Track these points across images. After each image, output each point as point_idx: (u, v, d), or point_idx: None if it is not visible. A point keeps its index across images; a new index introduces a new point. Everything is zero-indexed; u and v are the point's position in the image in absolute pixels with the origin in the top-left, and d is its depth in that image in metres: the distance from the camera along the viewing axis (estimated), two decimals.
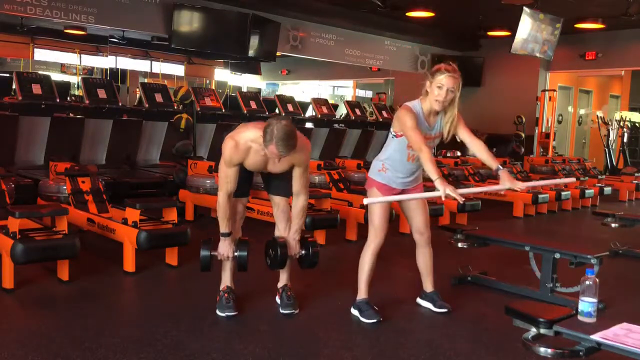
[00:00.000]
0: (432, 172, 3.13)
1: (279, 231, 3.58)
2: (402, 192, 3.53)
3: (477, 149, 3.43)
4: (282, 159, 3.17)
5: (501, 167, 3.38)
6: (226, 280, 3.52)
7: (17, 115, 7.02)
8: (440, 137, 3.48)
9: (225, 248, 3.37)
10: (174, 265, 4.43)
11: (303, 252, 3.49)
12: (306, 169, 3.39)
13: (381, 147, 3.62)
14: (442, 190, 3.08)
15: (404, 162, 3.43)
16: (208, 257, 3.38)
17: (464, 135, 3.47)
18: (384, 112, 10.53)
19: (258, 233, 4.53)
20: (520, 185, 3.35)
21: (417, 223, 3.59)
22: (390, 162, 3.44)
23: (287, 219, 3.55)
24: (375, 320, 3.37)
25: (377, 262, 3.50)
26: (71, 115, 7.79)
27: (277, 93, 14.42)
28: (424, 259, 3.66)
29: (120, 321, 3.43)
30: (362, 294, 3.50)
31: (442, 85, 3.25)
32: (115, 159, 7.80)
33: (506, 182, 3.32)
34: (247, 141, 3.22)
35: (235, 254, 3.39)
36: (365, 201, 3.35)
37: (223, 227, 3.35)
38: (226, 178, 3.28)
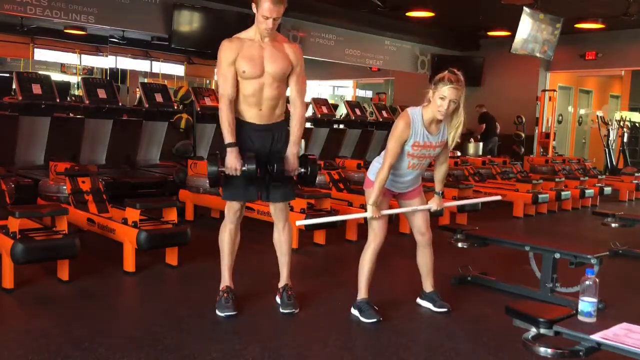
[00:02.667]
0: (372, 195, 3.36)
1: (278, 232, 3.57)
2: (399, 195, 3.56)
3: (439, 170, 3.60)
4: (277, 53, 3.28)
5: (439, 194, 3.64)
6: (226, 280, 3.51)
7: (17, 115, 7.02)
8: (444, 145, 3.44)
9: (233, 161, 3.27)
10: (174, 265, 4.43)
11: (302, 170, 3.45)
12: (301, 71, 3.42)
13: (381, 147, 3.62)
14: (369, 214, 3.39)
15: (404, 169, 3.43)
16: (216, 172, 3.32)
17: (444, 149, 3.49)
18: (384, 112, 10.54)
19: (258, 234, 4.55)
20: (443, 206, 3.66)
21: (418, 224, 3.59)
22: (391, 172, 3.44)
23: (285, 218, 3.55)
24: (375, 320, 3.37)
25: (377, 262, 3.51)
26: (71, 115, 7.80)
27: None
28: (424, 259, 3.67)
29: (120, 321, 3.43)
30: (362, 294, 3.50)
31: (444, 97, 3.21)
32: (115, 159, 7.80)
33: (433, 204, 3.60)
34: (239, 36, 3.34)
35: (244, 168, 3.29)
36: (299, 223, 3.59)
37: (228, 137, 3.28)
38: (225, 80, 3.29)
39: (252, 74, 3.28)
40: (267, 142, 3.39)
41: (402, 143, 3.33)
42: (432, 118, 3.32)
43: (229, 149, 3.29)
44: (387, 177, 3.34)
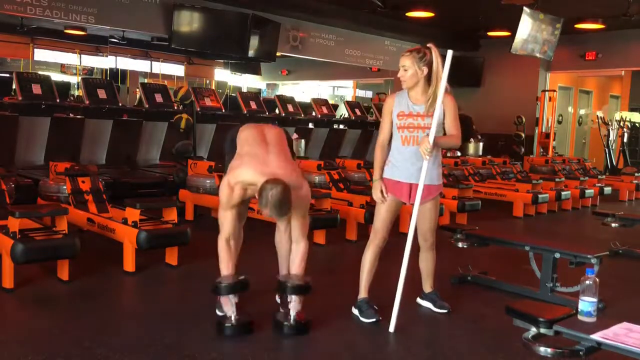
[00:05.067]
0: (374, 173, 3.51)
1: (279, 232, 3.57)
2: (411, 186, 3.40)
3: (449, 133, 3.44)
4: None
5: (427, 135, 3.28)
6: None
7: (17, 115, 7.02)
8: (439, 120, 3.36)
9: (229, 307, 3.19)
10: (174, 265, 4.43)
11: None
12: (305, 214, 3.31)
13: None
14: (373, 191, 3.48)
15: (400, 147, 3.41)
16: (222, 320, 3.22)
17: (447, 120, 3.41)
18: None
19: (258, 234, 4.54)
20: (427, 144, 3.22)
21: (424, 229, 3.56)
22: (391, 154, 3.47)
23: (287, 219, 3.54)
24: (374, 320, 3.37)
25: (378, 262, 3.50)
26: (71, 115, 7.79)
27: (277, 93, 14.42)
28: (426, 262, 3.67)
29: (120, 321, 3.43)
30: (362, 293, 3.50)
31: (400, 66, 3.43)
32: (115, 159, 7.80)
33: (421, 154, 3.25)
34: (242, 185, 3.15)
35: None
36: None
37: (224, 271, 3.24)
38: (225, 220, 3.22)
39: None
40: None
41: (390, 114, 3.45)
42: (415, 93, 3.43)
43: (224, 279, 3.23)
44: (382, 152, 3.47)
